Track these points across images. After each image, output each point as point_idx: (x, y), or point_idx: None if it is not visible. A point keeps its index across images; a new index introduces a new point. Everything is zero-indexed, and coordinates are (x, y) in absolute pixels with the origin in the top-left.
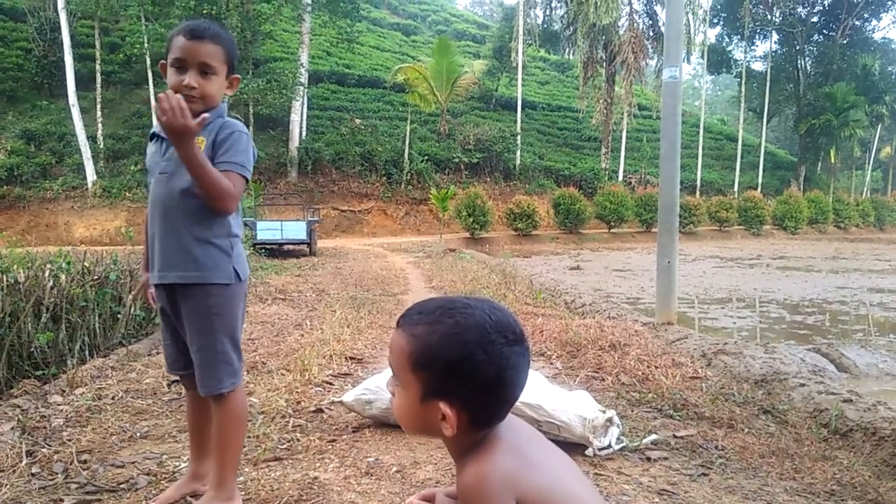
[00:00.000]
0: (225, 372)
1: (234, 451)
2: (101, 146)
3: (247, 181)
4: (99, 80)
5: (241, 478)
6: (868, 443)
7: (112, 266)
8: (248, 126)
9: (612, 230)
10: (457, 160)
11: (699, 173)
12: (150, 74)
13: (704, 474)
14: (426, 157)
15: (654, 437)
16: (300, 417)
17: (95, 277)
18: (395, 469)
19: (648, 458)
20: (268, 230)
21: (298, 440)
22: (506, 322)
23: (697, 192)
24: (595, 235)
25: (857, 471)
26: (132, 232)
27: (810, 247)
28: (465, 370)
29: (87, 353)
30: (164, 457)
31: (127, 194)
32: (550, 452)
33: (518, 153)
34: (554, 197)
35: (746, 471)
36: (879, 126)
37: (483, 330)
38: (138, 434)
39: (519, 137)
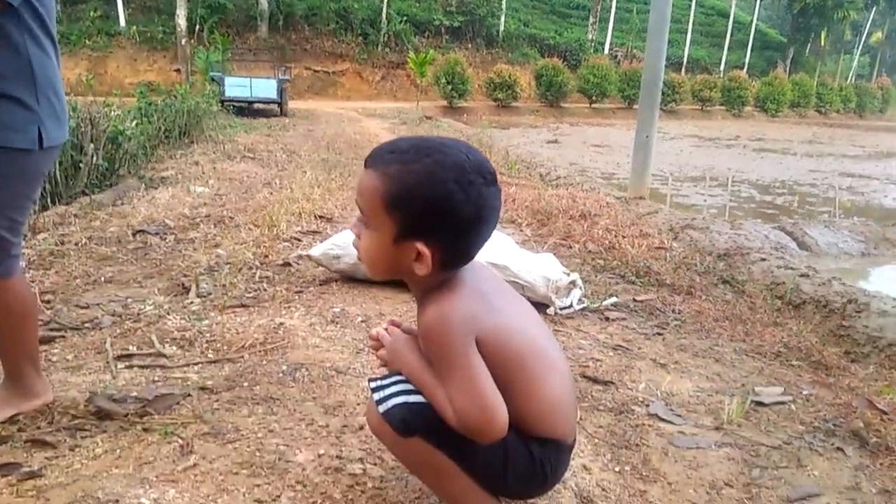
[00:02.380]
0: None
1: (18, 343)
2: None
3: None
4: None
5: (206, 321)
6: (819, 314)
7: (71, 114)
8: None
9: (594, 105)
10: (437, 23)
11: (687, 50)
12: None
13: (659, 334)
14: (405, 18)
15: (614, 299)
16: (267, 270)
17: None
18: (360, 319)
19: (607, 318)
20: (236, 87)
21: (265, 290)
22: (482, 162)
23: (683, 70)
24: (576, 110)
25: (805, 337)
26: (93, 80)
27: (789, 130)
28: (444, 210)
29: (48, 200)
30: (129, 300)
31: (87, 42)
32: (510, 296)
33: (503, 18)
34: (537, 68)
35: (699, 332)
36: (874, 9)
37: (462, 169)
38: (102, 278)
39: (504, 1)
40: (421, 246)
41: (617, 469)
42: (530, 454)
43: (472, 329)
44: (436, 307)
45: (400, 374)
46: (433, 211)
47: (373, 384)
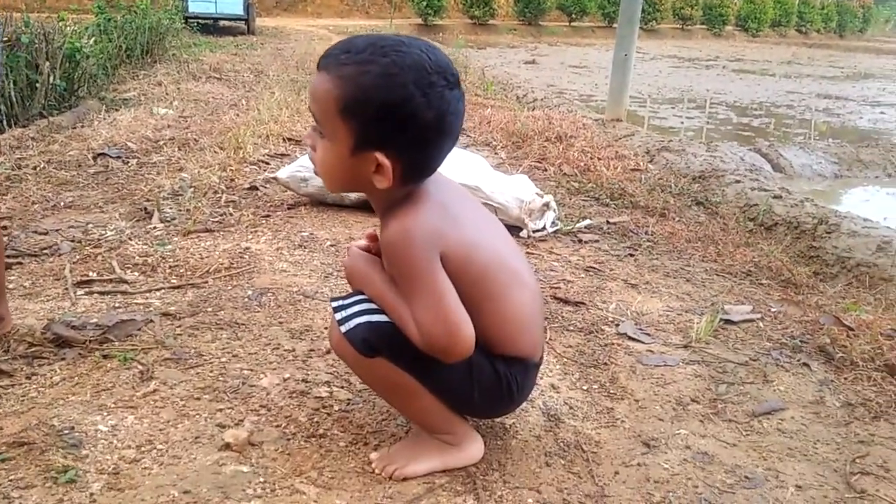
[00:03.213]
0: None
1: None
2: None
3: None
4: None
5: (170, 246)
6: (790, 235)
7: (24, 28)
8: None
9: (573, 24)
10: None
11: None
12: None
13: (631, 255)
14: None
15: (587, 221)
16: (233, 194)
17: (5, 39)
18: (329, 243)
19: (580, 241)
20: (200, 2)
21: (231, 214)
22: (444, 63)
23: None
24: (555, 28)
25: (775, 257)
26: None
27: (769, 50)
28: (403, 115)
29: (4, 122)
30: (90, 225)
31: None
32: (477, 211)
33: None
34: None
35: (671, 253)
36: None
37: (422, 70)
38: (62, 203)
39: None
40: (380, 156)
41: (585, 387)
42: (496, 372)
43: (437, 244)
44: (398, 222)
45: (363, 293)
46: (392, 116)
47: (334, 303)
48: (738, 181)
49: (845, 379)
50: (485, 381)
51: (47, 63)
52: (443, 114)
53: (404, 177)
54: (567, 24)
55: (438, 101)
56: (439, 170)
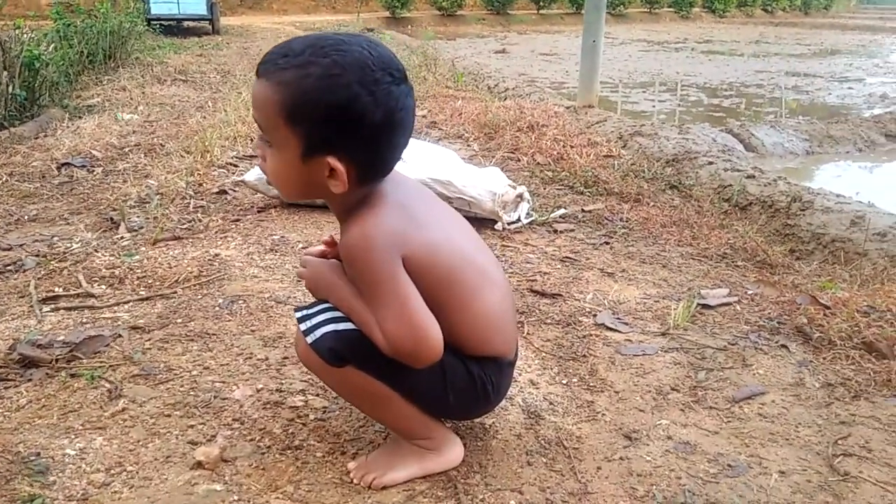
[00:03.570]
0: None
1: None
2: None
3: None
4: None
5: (137, 256)
6: (764, 214)
7: None
8: None
9: (542, 11)
10: None
11: None
12: None
13: (607, 243)
14: None
15: (562, 211)
16: (202, 199)
17: None
18: (301, 245)
19: (555, 231)
20: (162, 3)
21: (200, 220)
22: (388, 58)
23: None
24: (523, 17)
25: (751, 237)
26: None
27: (736, 31)
28: (350, 116)
29: None
30: (55, 238)
31: None
32: (436, 207)
33: None
34: None
35: (647, 239)
36: None
37: (365, 68)
38: (26, 217)
39: None
40: (332, 161)
41: (564, 381)
42: (469, 374)
43: (398, 247)
44: (357, 227)
45: (327, 301)
46: (339, 119)
47: (298, 314)
48: (711, 163)
49: (824, 359)
50: (459, 384)
51: (5, 72)
52: (391, 111)
53: (360, 179)
54: (535, 12)
55: (385, 98)
56: (403, 167)
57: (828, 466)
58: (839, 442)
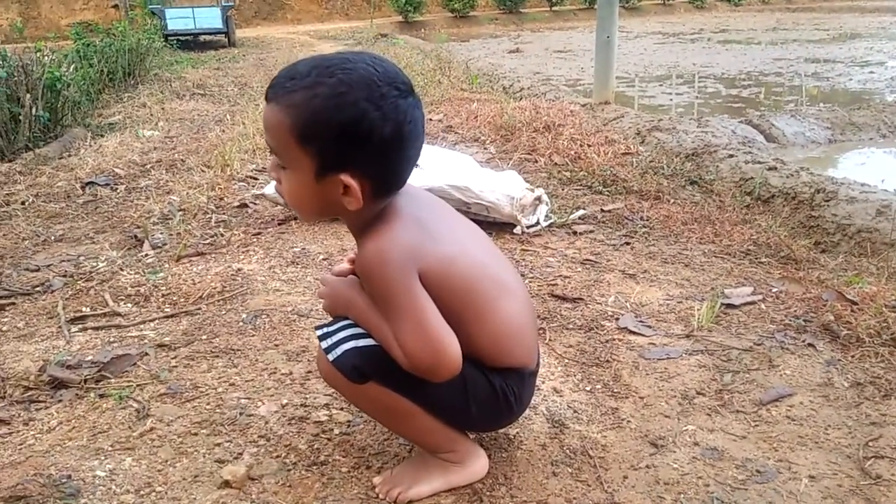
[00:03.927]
0: None
1: None
2: None
3: None
4: None
5: (161, 273)
6: (787, 207)
7: (1, 62)
8: None
9: (554, 8)
10: None
11: None
12: None
13: (627, 243)
14: None
15: (581, 212)
16: (223, 213)
17: None
18: (322, 257)
19: (575, 233)
20: (179, 19)
21: (222, 235)
22: (393, 72)
23: None
24: (536, 15)
25: (774, 232)
26: (25, 25)
27: (752, 18)
28: (360, 132)
29: None
30: (81, 258)
31: None
32: (454, 221)
33: None
34: None
35: (668, 238)
36: None
37: (372, 84)
38: (52, 237)
39: None
40: (346, 178)
41: (588, 388)
42: (491, 385)
43: (413, 262)
44: (372, 243)
45: (347, 318)
46: (349, 136)
47: (319, 332)
48: (731, 155)
49: (852, 357)
50: (481, 396)
51: (28, 95)
52: (400, 124)
53: (374, 194)
54: (548, 9)
55: (393, 112)
56: (420, 174)
57: (859, 469)
58: (870, 444)
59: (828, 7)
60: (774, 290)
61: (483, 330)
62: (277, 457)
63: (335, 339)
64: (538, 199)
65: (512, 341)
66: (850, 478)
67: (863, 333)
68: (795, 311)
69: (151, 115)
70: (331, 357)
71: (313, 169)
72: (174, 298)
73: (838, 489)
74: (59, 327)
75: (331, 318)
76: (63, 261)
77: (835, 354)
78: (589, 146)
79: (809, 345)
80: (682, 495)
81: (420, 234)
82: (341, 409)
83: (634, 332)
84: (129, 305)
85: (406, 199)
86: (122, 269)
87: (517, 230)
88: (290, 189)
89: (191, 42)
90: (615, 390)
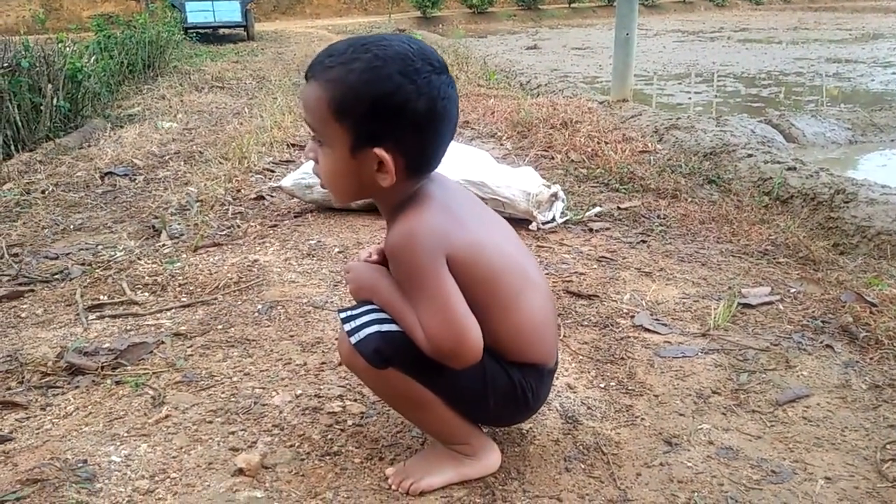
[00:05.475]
0: None
1: None
2: None
3: None
4: None
5: (179, 263)
6: (806, 208)
7: (23, 53)
8: None
9: (573, 5)
10: None
11: None
12: None
13: (644, 241)
14: None
15: (598, 209)
16: (240, 205)
17: (5, 65)
18: (337, 250)
19: (591, 230)
20: (198, 12)
21: (238, 226)
22: (429, 50)
23: None
24: (554, 11)
25: (793, 232)
26: (47, 17)
27: (773, 17)
28: (394, 106)
29: (11, 147)
30: (100, 247)
31: None
32: (483, 213)
33: None
34: None
35: (685, 236)
36: None
37: (406, 58)
38: (71, 226)
39: None
40: (381, 152)
41: (602, 385)
42: (510, 380)
43: (442, 247)
44: (402, 225)
45: (372, 303)
46: (384, 109)
47: (343, 314)
48: (750, 155)
49: (871, 359)
50: (500, 390)
51: (50, 85)
52: (434, 99)
53: (408, 172)
54: (567, 5)
55: (427, 86)
56: (438, 169)
57: (876, 472)
58: (888, 446)
59: (851, 7)
60: (792, 290)
61: (506, 322)
62: (291, 446)
63: (359, 321)
64: (554, 195)
65: (534, 336)
66: (866, 480)
67: (882, 335)
68: (813, 312)
69: (170, 106)
70: (353, 340)
71: (349, 144)
72: (190, 288)
73: (855, 491)
74: (77, 315)
75: (355, 303)
76: (81, 249)
77: (853, 356)
78: (606, 143)
79: (827, 346)
80: (695, 494)
81: (450, 220)
82: (355, 400)
83: (650, 330)
84: (146, 294)
85: (437, 186)
86: (139, 259)
87: (533, 226)
88: (326, 167)
89: (210, 35)
90: (629, 388)
